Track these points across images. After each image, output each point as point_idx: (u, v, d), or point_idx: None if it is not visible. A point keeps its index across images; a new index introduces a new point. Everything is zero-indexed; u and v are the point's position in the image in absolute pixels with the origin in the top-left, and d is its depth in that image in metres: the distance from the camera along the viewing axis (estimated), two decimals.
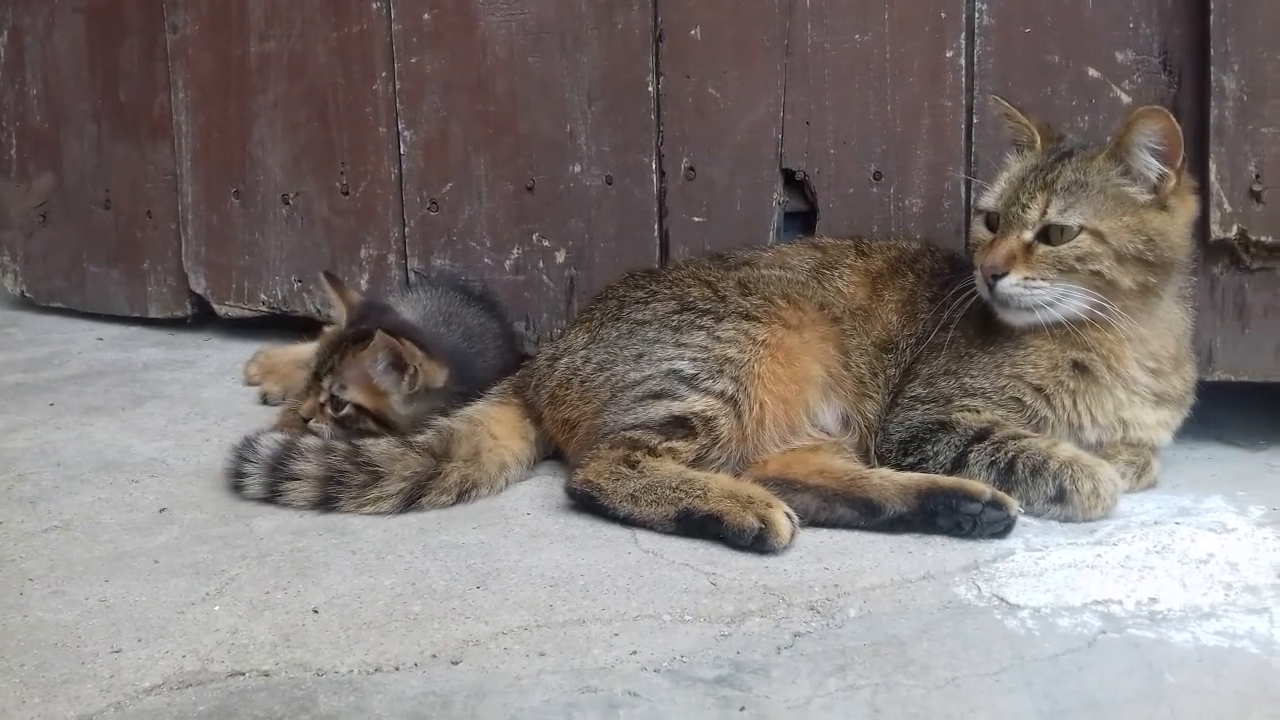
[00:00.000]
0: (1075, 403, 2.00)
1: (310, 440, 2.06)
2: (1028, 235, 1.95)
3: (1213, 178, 2.19)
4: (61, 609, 1.61)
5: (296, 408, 2.31)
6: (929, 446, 2.00)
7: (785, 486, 1.91)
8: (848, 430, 2.11)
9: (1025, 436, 1.95)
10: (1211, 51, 2.19)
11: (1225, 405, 2.32)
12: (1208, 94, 2.20)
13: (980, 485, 1.85)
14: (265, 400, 2.71)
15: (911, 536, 1.82)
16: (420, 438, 2.07)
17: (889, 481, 1.88)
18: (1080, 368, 1.99)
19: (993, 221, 2.02)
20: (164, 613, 1.59)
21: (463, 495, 2.03)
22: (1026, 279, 1.93)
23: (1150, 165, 1.93)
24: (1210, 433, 2.32)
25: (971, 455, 1.94)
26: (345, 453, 2.01)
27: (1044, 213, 1.94)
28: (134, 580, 1.71)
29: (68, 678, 1.40)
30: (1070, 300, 1.94)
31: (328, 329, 2.44)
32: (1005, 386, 2.02)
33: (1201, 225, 2.14)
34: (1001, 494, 1.83)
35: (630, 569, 1.72)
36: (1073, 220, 1.92)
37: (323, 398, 2.23)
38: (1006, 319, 2.00)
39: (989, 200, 2.05)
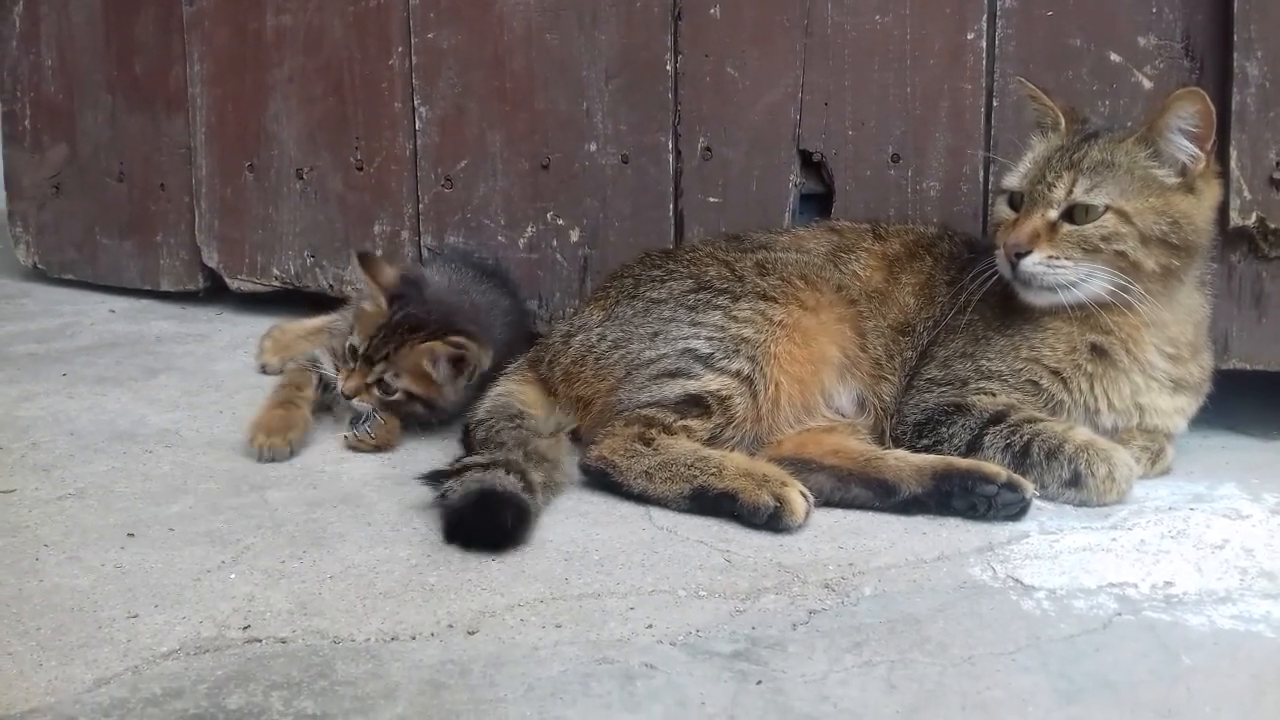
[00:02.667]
0: (1092, 386, 2.00)
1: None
2: (1052, 214, 1.94)
3: (1233, 165, 2.18)
4: (77, 574, 1.62)
5: (295, 380, 2.34)
6: (944, 429, 1.99)
7: (800, 466, 1.91)
8: (863, 412, 2.11)
9: (1041, 420, 1.95)
10: (1235, 37, 2.18)
11: (1240, 394, 2.31)
12: (1230, 80, 2.19)
13: (996, 467, 1.84)
14: (264, 370, 2.72)
15: (926, 518, 1.83)
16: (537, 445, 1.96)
17: (904, 462, 1.88)
18: (1098, 351, 1.99)
19: (1016, 201, 2.02)
20: (180, 579, 1.59)
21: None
22: (1050, 258, 1.93)
23: (1183, 147, 1.93)
24: (1224, 421, 2.31)
25: (987, 438, 1.94)
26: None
27: (1070, 191, 1.93)
28: (149, 548, 1.71)
29: (85, 641, 1.41)
30: (1093, 280, 1.93)
31: (364, 305, 2.36)
32: (1022, 369, 2.01)
33: (1220, 212, 2.13)
34: (1017, 476, 1.83)
35: (645, 545, 1.72)
36: (1098, 200, 1.91)
37: (370, 379, 2.24)
38: (1029, 298, 1.99)
39: (1013, 180, 2.04)
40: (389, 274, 2.38)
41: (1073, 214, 1.93)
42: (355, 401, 2.25)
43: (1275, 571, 1.61)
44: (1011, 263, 1.95)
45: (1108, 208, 1.91)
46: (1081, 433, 1.92)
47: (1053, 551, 1.69)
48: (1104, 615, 1.48)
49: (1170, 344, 2.01)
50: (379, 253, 3.04)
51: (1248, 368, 2.29)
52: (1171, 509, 1.88)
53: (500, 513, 1.70)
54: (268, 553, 1.69)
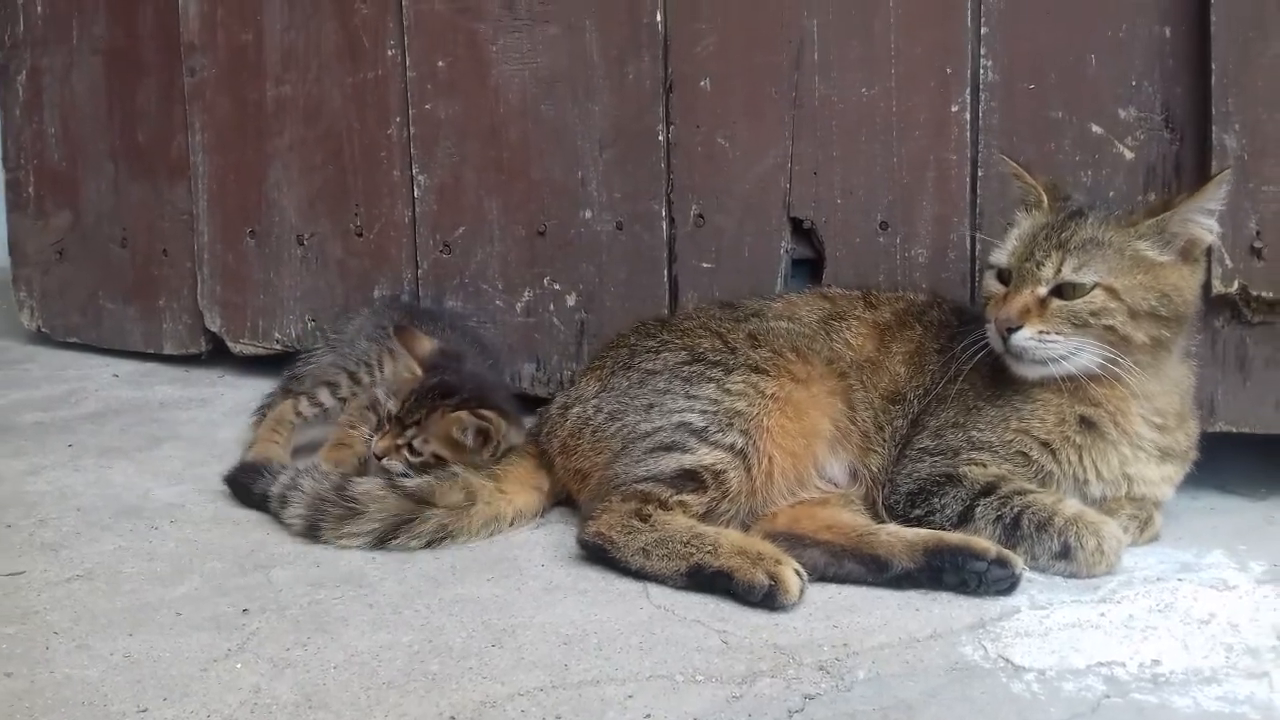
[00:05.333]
0: (1081, 458, 2.04)
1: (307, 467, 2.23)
2: (1042, 290, 1.98)
3: (1214, 236, 2.22)
4: (87, 664, 1.65)
5: (344, 439, 2.44)
6: (936, 499, 2.03)
7: (794, 541, 1.94)
8: (855, 482, 2.15)
9: (1031, 492, 1.99)
10: (1213, 111, 2.24)
11: (1228, 454, 2.35)
12: (1209, 152, 2.25)
13: (986, 543, 1.88)
14: None
15: (919, 593, 1.86)
16: (411, 482, 2.13)
17: (896, 538, 1.92)
18: (1087, 423, 2.03)
19: (1005, 276, 2.06)
20: (187, 669, 1.62)
21: (433, 543, 2.09)
22: (1041, 332, 1.97)
23: (1209, 225, 1.98)
24: (1213, 481, 2.35)
25: (978, 509, 1.98)
26: (333, 485, 2.11)
27: (1059, 270, 1.97)
28: (157, 634, 1.74)
29: None
30: (1083, 354, 1.97)
31: (402, 373, 2.47)
32: (1012, 441, 2.05)
33: (1204, 280, 2.18)
34: (1006, 552, 1.87)
35: (643, 626, 1.76)
36: (1088, 278, 1.95)
37: (401, 441, 2.30)
38: (1020, 371, 2.03)
39: (1001, 256, 2.08)
40: (425, 346, 2.47)
41: (1062, 290, 1.98)
42: (385, 462, 2.31)
43: (1259, 648, 1.64)
44: (1003, 336, 1.99)
45: (1096, 284, 1.95)
46: (1071, 505, 1.96)
47: (1043, 628, 1.72)
48: (1092, 698, 1.51)
49: (1157, 414, 2.05)
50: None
51: (1234, 430, 2.33)
52: (1160, 579, 1.91)
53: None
54: (273, 639, 1.72)
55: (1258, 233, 2.23)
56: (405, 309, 2.94)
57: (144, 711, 1.51)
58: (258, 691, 1.56)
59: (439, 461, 2.30)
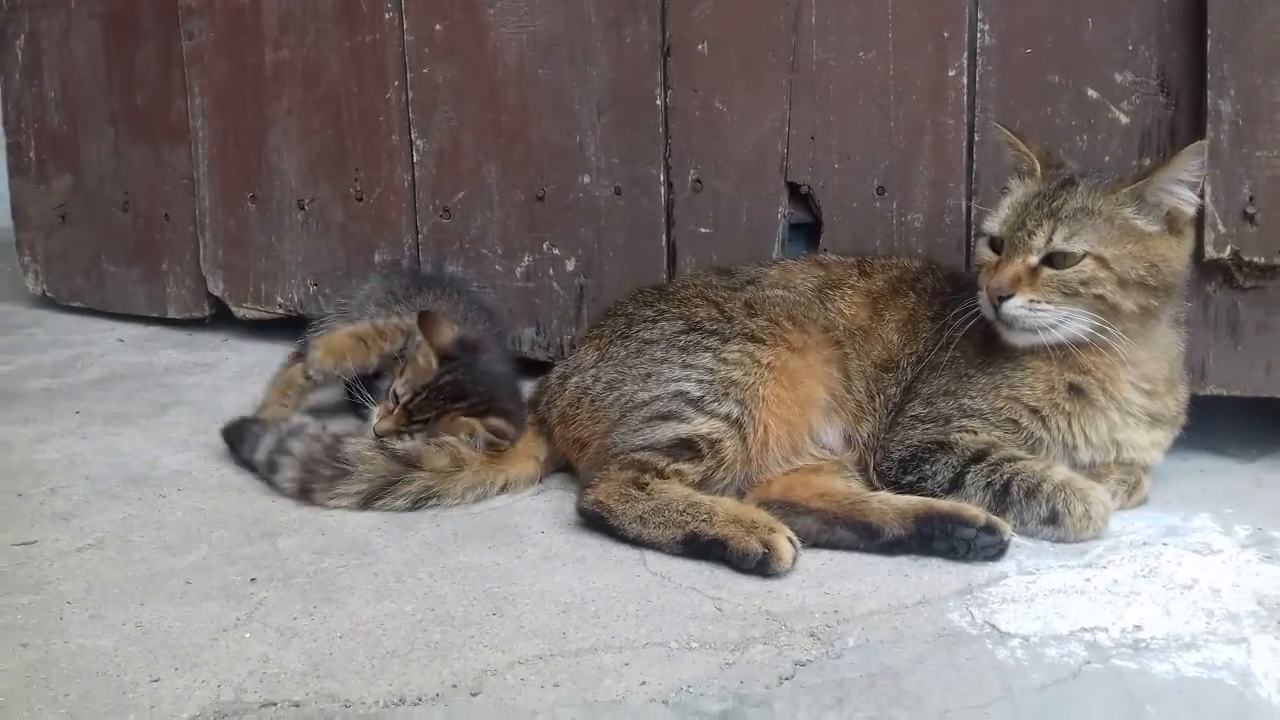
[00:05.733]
0: (1070, 424, 2.07)
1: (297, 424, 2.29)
2: (1033, 259, 2.00)
3: (1208, 200, 2.24)
4: (100, 634, 1.70)
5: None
6: (928, 466, 2.07)
7: (788, 509, 1.98)
8: (849, 448, 2.19)
9: (1021, 459, 2.02)
10: (1209, 75, 2.24)
11: (1220, 416, 2.38)
12: (1204, 117, 2.25)
13: (975, 510, 1.92)
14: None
15: (909, 559, 1.90)
16: (400, 445, 2.19)
17: (888, 505, 1.96)
18: (1076, 390, 2.06)
19: (997, 244, 2.08)
20: (198, 639, 1.67)
21: (418, 503, 2.15)
22: (1032, 301, 2.00)
23: (1184, 196, 1.99)
24: (1203, 442, 2.38)
25: (969, 476, 2.01)
26: (325, 446, 2.17)
27: (1050, 239, 1.99)
28: (167, 604, 1.79)
29: (110, 708, 1.49)
30: (1073, 322, 2.00)
31: (418, 357, 2.41)
32: (1003, 408, 2.08)
33: (1196, 245, 2.19)
34: (995, 519, 1.91)
35: (639, 593, 1.80)
36: (1078, 247, 1.98)
37: (404, 429, 2.31)
38: (1011, 339, 2.06)
39: (994, 225, 2.10)
40: (445, 335, 2.41)
41: (1052, 259, 2.00)
42: (385, 442, 2.29)
43: (1239, 614, 1.68)
44: (994, 305, 2.02)
45: (1086, 253, 1.98)
46: (1059, 471, 2.00)
47: (1029, 594, 1.77)
48: (1074, 664, 1.55)
49: (1146, 381, 2.08)
50: None
51: (1224, 393, 2.36)
52: (1145, 544, 1.95)
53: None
54: (280, 608, 1.77)
55: (1250, 198, 2.24)
56: (414, 275, 2.95)
57: (156, 681, 1.56)
58: (266, 661, 1.61)
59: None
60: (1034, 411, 2.07)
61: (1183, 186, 1.98)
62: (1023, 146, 2.14)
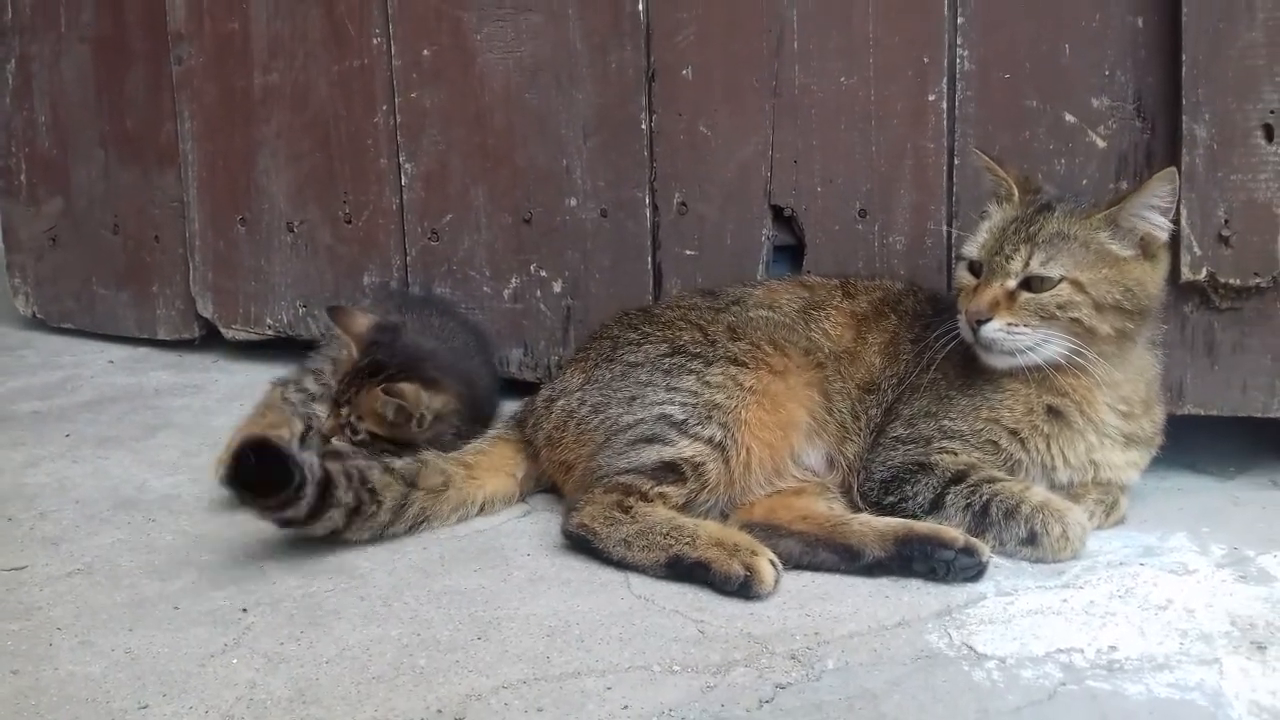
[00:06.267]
0: (1049, 446, 2.10)
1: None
2: (1011, 284, 2.03)
3: (1184, 223, 2.27)
4: (89, 660, 1.71)
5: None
6: (908, 487, 2.09)
7: (770, 531, 2.01)
8: (832, 470, 2.21)
9: (1000, 480, 2.05)
10: (1184, 100, 2.27)
11: (1197, 436, 2.41)
12: (1180, 141, 2.29)
13: (954, 532, 1.95)
14: None
15: (889, 580, 1.92)
16: (399, 463, 2.19)
17: (868, 528, 1.98)
18: (1054, 412, 2.09)
19: (976, 268, 2.11)
20: (186, 665, 1.69)
21: (414, 527, 2.17)
22: (1010, 324, 2.03)
23: (1157, 222, 2.03)
24: (1182, 460, 2.42)
25: (948, 497, 2.04)
26: (360, 480, 2.10)
27: (1027, 264, 2.02)
28: (156, 630, 1.81)
29: None
30: (1050, 345, 2.03)
31: (343, 353, 2.55)
32: (982, 430, 2.11)
33: (1172, 267, 2.23)
34: (974, 540, 1.94)
35: (623, 616, 1.82)
36: (1055, 271, 2.01)
37: (342, 421, 2.39)
38: (989, 361, 2.09)
39: (972, 249, 2.13)
40: (360, 322, 2.52)
41: (1030, 283, 2.03)
42: (334, 441, 2.40)
43: (1212, 634, 1.71)
44: (973, 328, 2.05)
45: (1063, 278, 2.01)
46: (1038, 493, 2.03)
47: (1006, 615, 1.79)
48: (1049, 686, 1.58)
49: (1123, 402, 2.11)
50: (368, 304, 3.15)
51: (1202, 413, 2.39)
52: (1123, 564, 1.98)
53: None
54: (267, 633, 1.79)
55: (1226, 221, 2.27)
56: (405, 297, 2.98)
57: (145, 708, 1.58)
58: (253, 687, 1.62)
59: (376, 440, 2.38)
60: (1013, 433, 2.10)
61: (1155, 212, 2.02)
62: (1001, 172, 2.18)
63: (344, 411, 2.40)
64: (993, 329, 2.03)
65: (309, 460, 1.98)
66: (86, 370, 3.41)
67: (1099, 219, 2.03)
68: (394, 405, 2.33)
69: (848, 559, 1.96)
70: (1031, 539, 1.97)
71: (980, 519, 2.01)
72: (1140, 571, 1.95)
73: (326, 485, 2.00)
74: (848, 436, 2.21)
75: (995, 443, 2.11)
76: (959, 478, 2.06)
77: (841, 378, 2.25)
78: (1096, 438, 2.10)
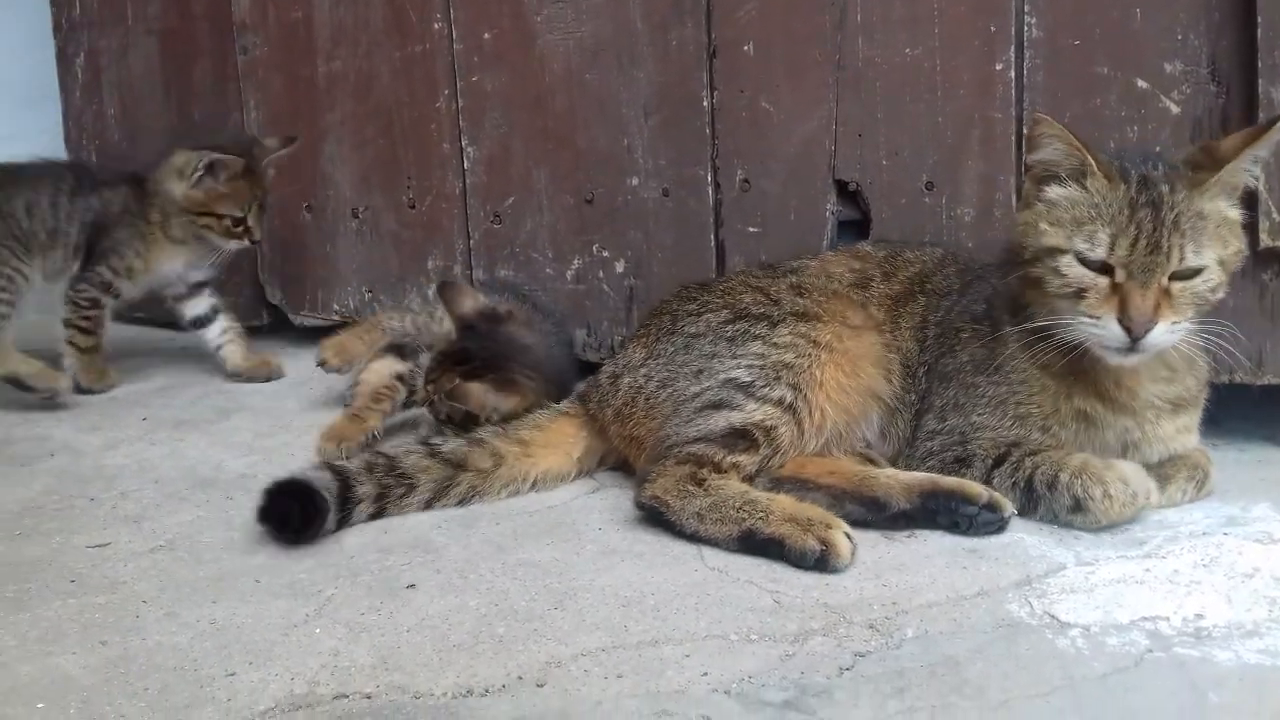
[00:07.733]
0: (1078, 435, 2.04)
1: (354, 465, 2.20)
2: (1165, 280, 1.87)
3: (1261, 187, 2.22)
4: (176, 631, 1.75)
5: (358, 413, 2.53)
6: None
7: (800, 486, 2.01)
8: (884, 442, 2.19)
9: (1040, 450, 2.00)
10: (1259, 63, 2.23)
11: (1277, 405, 2.36)
12: (1256, 104, 2.24)
13: (979, 488, 1.95)
14: (322, 365, 2.84)
15: (965, 551, 1.90)
16: (447, 446, 2.23)
17: (895, 480, 1.99)
18: (1087, 402, 2.02)
19: (1091, 264, 1.90)
20: (270, 634, 1.72)
21: (464, 501, 2.21)
22: (1174, 323, 1.88)
23: (1257, 174, 1.95)
24: (1261, 433, 2.38)
25: (995, 481, 2.01)
26: (385, 468, 2.17)
27: (1183, 257, 1.86)
28: (239, 602, 1.84)
29: (189, 702, 1.54)
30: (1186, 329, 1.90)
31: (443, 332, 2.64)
32: (1012, 425, 2.05)
33: (1250, 233, 2.18)
34: (998, 496, 1.94)
35: (697, 587, 1.82)
36: (1207, 258, 1.88)
37: (430, 397, 2.47)
38: (1118, 361, 1.93)
39: (1096, 249, 1.88)
40: (467, 304, 2.53)
41: (1180, 272, 1.89)
42: (427, 410, 2.49)
43: None
44: (1136, 337, 1.86)
45: (1211, 260, 1.89)
46: (1076, 458, 1.97)
47: (1088, 584, 1.77)
48: (1136, 652, 1.55)
49: (1166, 367, 2.02)
50: (433, 288, 3.18)
51: None
52: (1205, 534, 1.94)
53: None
54: (347, 604, 1.81)
55: None
56: (488, 286, 2.98)
57: (232, 675, 1.61)
58: (336, 654, 1.65)
59: (451, 417, 2.42)
60: (1044, 429, 2.04)
61: (1256, 164, 1.93)
62: (1076, 142, 1.93)
63: (429, 389, 2.45)
64: (1160, 333, 1.86)
65: (324, 480, 2.09)
66: (159, 357, 3.48)
67: (1213, 184, 1.88)
68: (464, 413, 2.37)
69: (874, 510, 1.96)
70: (1077, 506, 1.93)
71: (1028, 495, 1.98)
72: (1224, 541, 1.91)
73: (345, 488, 2.11)
74: (900, 409, 2.18)
75: (1027, 433, 2.04)
76: (1000, 460, 2.02)
77: (889, 350, 2.22)
78: (1134, 421, 2.02)
